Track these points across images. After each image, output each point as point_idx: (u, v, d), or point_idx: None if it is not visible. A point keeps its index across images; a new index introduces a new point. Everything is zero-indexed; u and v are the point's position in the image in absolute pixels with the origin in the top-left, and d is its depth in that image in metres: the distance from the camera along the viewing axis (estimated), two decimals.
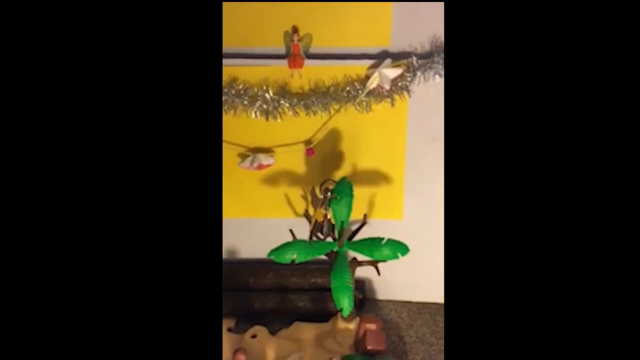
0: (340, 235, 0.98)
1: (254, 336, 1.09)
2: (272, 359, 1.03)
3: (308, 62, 1.06)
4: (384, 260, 0.98)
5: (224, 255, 1.27)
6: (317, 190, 1.04)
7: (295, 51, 1.06)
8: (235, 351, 0.87)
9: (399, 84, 1.06)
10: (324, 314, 1.16)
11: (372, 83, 1.04)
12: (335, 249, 0.99)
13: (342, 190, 0.97)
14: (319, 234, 1.02)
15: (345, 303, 0.89)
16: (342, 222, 0.98)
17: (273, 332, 1.11)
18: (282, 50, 1.07)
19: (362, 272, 1.20)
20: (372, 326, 1.07)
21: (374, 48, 1.07)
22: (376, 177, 1.16)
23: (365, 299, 1.24)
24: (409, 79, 1.05)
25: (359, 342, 1.07)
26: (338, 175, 1.14)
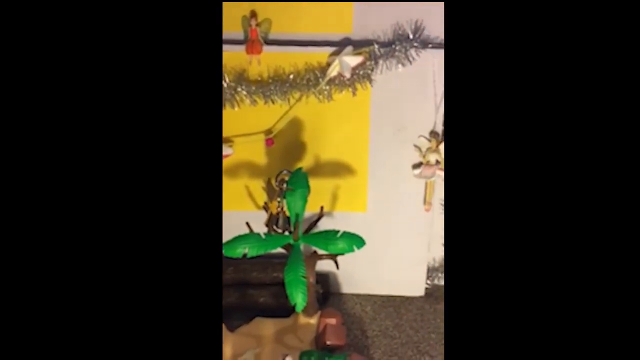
0: (295, 228, 0.95)
1: None
2: (229, 356, 1.00)
3: (267, 49, 1.03)
4: (341, 254, 0.96)
5: None
6: (273, 182, 1.01)
7: (253, 36, 1.02)
8: None
9: (361, 73, 1.03)
10: (285, 309, 1.12)
11: (333, 71, 1.01)
12: (289, 241, 0.96)
13: (297, 182, 0.94)
14: (275, 227, 0.98)
15: (299, 298, 0.87)
16: (297, 215, 0.95)
17: (231, 329, 1.08)
18: (240, 35, 1.03)
19: (326, 266, 1.17)
20: (332, 320, 1.04)
21: (335, 35, 1.04)
22: (339, 169, 1.13)
23: (329, 293, 1.22)
24: (370, 67, 1.03)
25: (319, 337, 1.04)
26: (299, 165, 1.11)
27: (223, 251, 0.89)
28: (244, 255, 0.88)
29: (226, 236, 0.96)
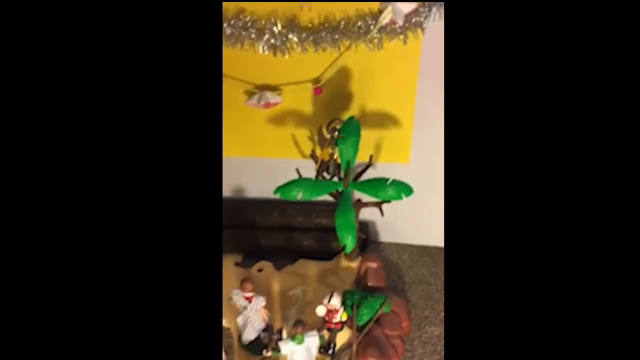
0: (346, 175, 0.98)
1: (260, 270, 1.13)
2: (277, 292, 1.08)
3: None
4: (388, 201, 0.99)
5: (230, 194, 1.29)
6: (324, 130, 1.02)
7: None
8: (243, 280, 0.91)
9: (413, 20, 1.00)
10: (327, 252, 1.19)
11: (385, 18, 0.99)
12: (341, 188, 0.99)
13: (350, 130, 0.96)
14: (325, 174, 1.02)
15: (349, 240, 0.91)
16: (348, 162, 0.97)
17: (278, 268, 1.15)
18: None
19: (366, 214, 1.21)
20: (373, 264, 1.10)
21: None
22: (384, 120, 1.14)
23: (368, 241, 1.27)
24: (423, 15, 1.00)
25: (360, 279, 1.11)
26: (346, 115, 1.12)
27: (279, 194, 0.93)
28: (298, 199, 0.93)
29: (273, 182, 1.00)
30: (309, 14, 1.03)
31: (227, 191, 1.28)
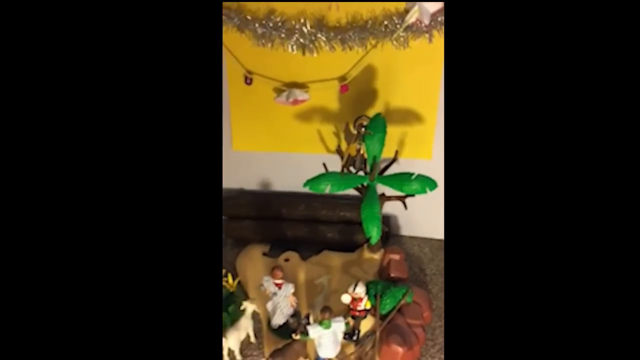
0: (372, 170, 1.02)
1: (287, 260, 1.18)
2: (303, 280, 1.12)
3: None
4: (412, 195, 1.02)
5: (258, 187, 1.34)
6: (351, 126, 1.06)
7: None
8: (273, 268, 0.96)
9: (439, 19, 1.03)
10: (350, 244, 1.23)
11: (411, 17, 1.02)
12: (367, 182, 1.03)
13: (376, 126, 1.00)
14: (351, 168, 1.06)
15: (374, 232, 0.95)
16: (375, 157, 1.01)
17: (304, 258, 1.20)
18: None
19: (388, 208, 1.25)
20: (395, 256, 1.14)
21: None
22: (408, 116, 1.17)
23: (390, 234, 1.30)
24: None
25: (382, 271, 1.15)
26: (371, 112, 1.15)
27: (308, 187, 0.97)
28: (326, 191, 0.97)
29: (299, 176, 1.05)
30: (337, 13, 1.07)
31: (255, 184, 1.33)
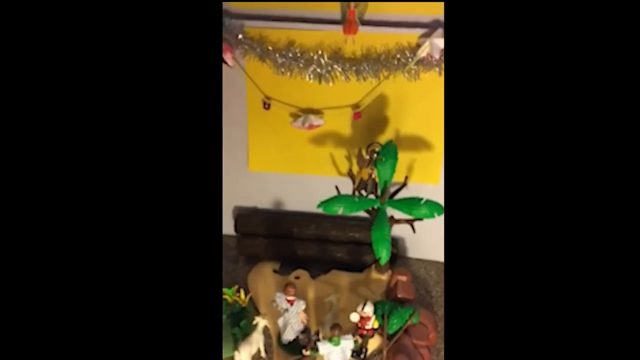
0: (382, 193, 1.07)
1: (297, 277, 1.22)
2: (312, 298, 1.16)
3: (361, 29, 1.12)
4: (421, 219, 1.07)
5: (270, 206, 1.39)
6: (364, 152, 1.12)
7: (351, 17, 1.11)
8: (286, 285, 1.00)
9: None
10: (359, 265, 1.27)
11: (423, 52, 1.09)
12: (377, 205, 1.08)
13: (388, 153, 1.05)
14: (362, 191, 1.11)
15: (383, 253, 1.00)
16: (386, 182, 1.06)
17: (313, 277, 1.24)
18: (336, 15, 1.13)
19: (396, 231, 1.29)
20: (403, 278, 1.17)
21: (426, 17, 1.10)
22: (417, 143, 1.22)
23: (398, 256, 1.34)
24: None
25: (389, 291, 1.18)
26: (382, 139, 1.21)
27: (322, 208, 1.03)
28: (339, 212, 1.02)
29: (310, 197, 1.09)
30: (353, 46, 1.14)
31: (268, 204, 1.39)
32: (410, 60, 1.11)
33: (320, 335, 0.95)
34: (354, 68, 1.14)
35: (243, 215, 1.35)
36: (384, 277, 1.22)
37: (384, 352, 0.97)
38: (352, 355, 0.98)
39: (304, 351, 0.92)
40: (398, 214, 1.10)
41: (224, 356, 1.01)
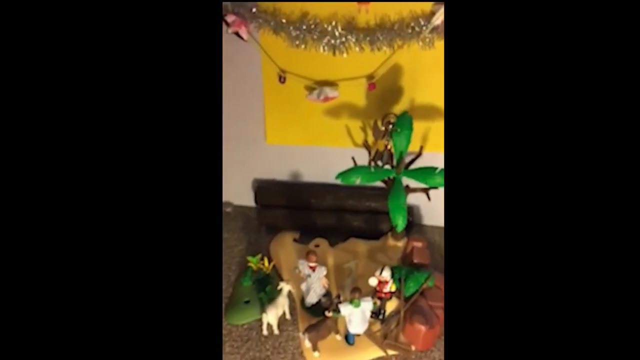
0: (398, 164, 1.10)
1: (317, 246, 1.28)
2: (332, 264, 1.22)
3: None
4: (436, 188, 1.10)
5: (289, 178, 1.43)
6: (379, 123, 1.14)
7: None
8: (308, 252, 1.05)
9: None
10: (375, 233, 1.32)
11: (437, 19, 1.08)
12: (393, 175, 1.11)
13: (403, 124, 1.07)
14: (379, 162, 1.14)
15: (400, 220, 1.03)
16: (401, 152, 1.09)
17: (332, 245, 1.29)
18: None
19: (411, 199, 1.32)
20: (418, 244, 1.21)
21: None
22: (432, 112, 1.23)
23: (413, 223, 1.38)
24: None
25: (405, 257, 1.23)
26: (397, 109, 1.22)
27: (340, 179, 1.06)
28: (356, 183, 1.05)
29: (327, 168, 1.12)
30: (366, 16, 1.13)
31: (286, 175, 1.43)
32: (424, 28, 1.10)
33: (342, 298, 1.01)
34: (367, 38, 1.14)
35: (262, 187, 1.40)
36: (400, 244, 1.26)
37: (402, 313, 1.03)
38: (371, 317, 1.04)
39: (326, 312, 0.99)
40: (413, 183, 1.13)
41: (252, 319, 1.08)
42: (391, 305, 1.09)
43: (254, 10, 1.15)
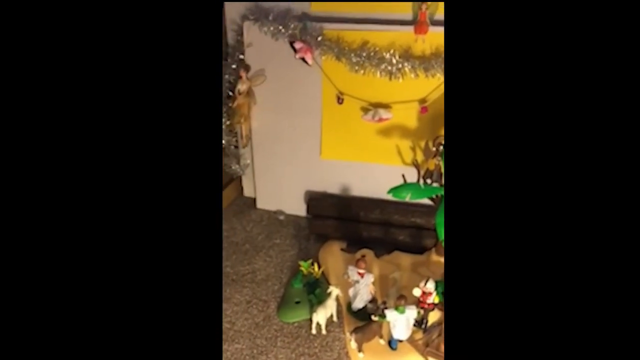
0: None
1: (363, 256, 1.36)
2: (377, 274, 1.29)
3: (432, 29, 1.20)
4: None
5: (339, 192, 1.53)
6: (430, 144, 1.22)
7: (422, 18, 1.20)
8: (358, 260, 1.14)
9: None
10: (419, 247, 1.38)
11: None
12: (441, 193, 1.18)
13: None
14: (428, 180, 1.21)
15: None
16: None
17: (377, 256, 1.37)
18: (407, 16, 1.22)
19: None
20: None
21: None
22: None
23: None
24: None
25: None
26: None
27: (391, 194, 1.14)
28: (407, 198, 1.13)
29: (376, 184, 1.20)
30: (422, 45, 1.23)
31: (337, 189, 1.53)
32: None
33: (387, 305, 1.08)
34: (422, 66, 1.23)
35: (314, 199, 1.51)
36: (443, 259, 1.32)
37: (443, 324, 1.08)
38: (414, 325, 1.10)
39: (372, 317, 1.06)
40: None
41: (302, 318, 1.18)
42: (434, 317, 1.14)
43: (319, 38, 1.29)
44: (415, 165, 1.28)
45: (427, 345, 1.08)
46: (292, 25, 1.28)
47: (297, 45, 1.28)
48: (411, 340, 1.09)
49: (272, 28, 1.30)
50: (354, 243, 1.41)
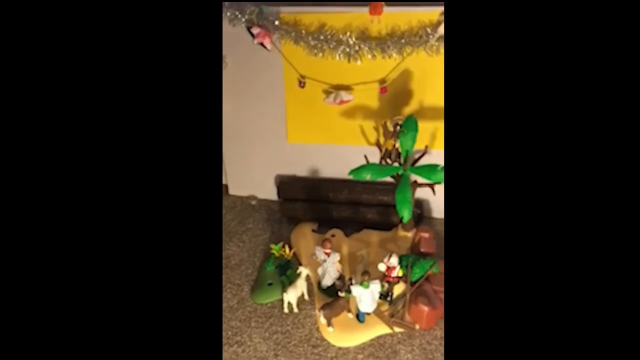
0: (405, 161, 1.21)
1: (333, 236, 1.40)
2: (346, 252, 1.34)
3: (386, 9, 1.21)
4: (439, 183, 1.20)
5: (308, 174, 1.56)
6: (389, 124, 1.25)
7: None
8: (323, 240, 1.18)
9: None
10: (387, 224, 1.43)
11: (443, 28, 1.17)
12: (400, 172, 1.22)
13: (409, 125, 1.18)
14: (388, 160, 1.25)
15: (406, 213, 1.14)
16: (407, 151, 1.20)
17: (347, 235, 1.42)
18: None
19: (422, 194, 1.43)
20: (425, 234, 1.32)
21: None
22: (439, 113, 1.33)
23: (422, 216, 1.49)
24: None
25: (414, 247, 1.34)
26: (406, 110, 1.33)
27: (352, 175, 1.18)
28: (366, 179, 1.17)
29: (343, 165, 1.24)
30: (378, 26, 1.24)
31: (306, 172, 1.56)
32: (431, 37, 1.20)
33: (353, 281, 1.13)
34: (379, 46, 1.25)
35: (284, 183, 1.53)
36: (410, 234, 1.37)
37: (407, 296, 1.14)
38: (380, 298, 1.16)
39: (339, 293, 1.11)
40: (421, 179, 1.23)
41: (274, 298, 1.23)
42: (399, 289, 1.20)
43: (276, 22, 1.28)
44: (378, 145, 1.32)
45: (392, 316, 1.15)
46: (248, 11, 1.28)
47: (255, 30, 1.27)
48: (378, 312, 1.15)
49: (228, 14, 1.29)
50: (325, 224, 1.46)
